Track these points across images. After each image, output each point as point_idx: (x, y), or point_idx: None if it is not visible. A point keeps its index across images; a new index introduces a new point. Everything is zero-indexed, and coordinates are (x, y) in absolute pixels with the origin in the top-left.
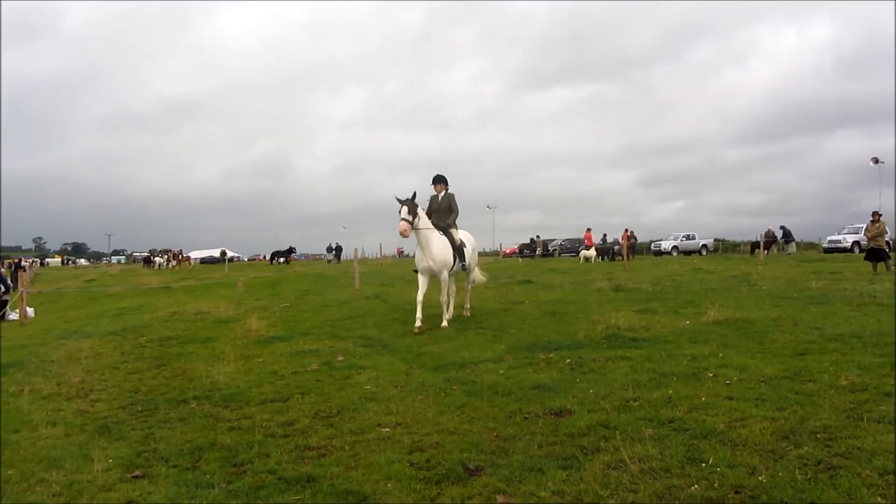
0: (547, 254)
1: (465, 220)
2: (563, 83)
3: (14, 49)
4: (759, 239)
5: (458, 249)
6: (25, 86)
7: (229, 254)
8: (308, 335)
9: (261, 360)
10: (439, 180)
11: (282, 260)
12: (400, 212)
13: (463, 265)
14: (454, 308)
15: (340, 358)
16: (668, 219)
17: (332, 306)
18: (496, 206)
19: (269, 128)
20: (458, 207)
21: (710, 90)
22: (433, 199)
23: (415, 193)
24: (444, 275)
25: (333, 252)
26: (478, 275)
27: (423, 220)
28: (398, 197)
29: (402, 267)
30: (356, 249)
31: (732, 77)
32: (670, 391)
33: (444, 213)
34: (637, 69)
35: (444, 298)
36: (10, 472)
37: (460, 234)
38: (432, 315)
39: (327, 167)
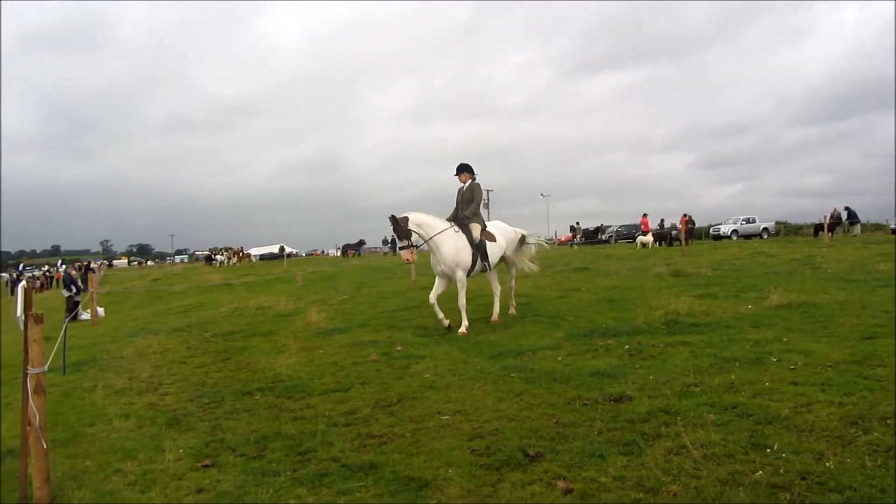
0: (590, 241)
1: (518, 210)
2: (614, 68)
3: (73, 60)
4: (822, 221)
5: (477, 246)
6: (85, 95)
7: (287, 249)
8: (366, 326)
9: (321, 351)
10: (462, 169)
11: (352, 253)
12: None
13: (486, 265)
14: (500, 309)
15: (399, 348)
16: (726, 202)
17: (389, 298)
18: (549, 194)
19: (320, 124)
20: (481, 197)
21: (767, 70)
22: (459, 191)
23: (392, 215)
24: (459, 275)
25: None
26: (527, 264)
27: (429, 228)
28: (390, 217)
29: None
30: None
31: (790, 56)
32: (732, 376)
33: (466, 205)
34: (691, 51)
35: (461, 302)
36: (87, 463)
37: (492, 226)
38: (485, 304)
39: (378, 160)
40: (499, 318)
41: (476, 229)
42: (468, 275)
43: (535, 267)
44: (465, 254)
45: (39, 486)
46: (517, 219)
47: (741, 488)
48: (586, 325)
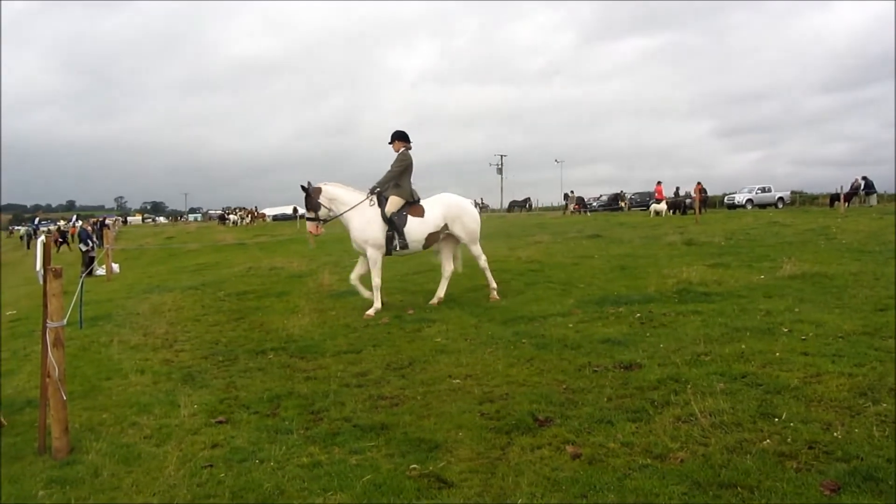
0: (609, 208)
1: (533, 175)
2: (637, 32)
3: (98, 15)
4: (838, 191)
5: (389, 221)
6: (109, 52)
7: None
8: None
9: (333, 313)
10: (394, 138)
11: None
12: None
13: (397, 243)
14: (443, 295)
15: (411, 312)
16: (742, 170)
17: (401, 261)
18: (563, 161)
19: (340, 84)
20: (400, 168)
21: (791, 35)
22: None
23: (309, 183)
24: (369, 252)
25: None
26: (450, 263)
27: (339, 203)
28: (302, 185)
29: None
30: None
31: (815, 20)
32: (743, 346)
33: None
34: (716, 14)
35: (375, 282)
36: (104, 415)
37: (433, 200)
38: (500, 270)
39: (397, 122)
40: (438, 302)
41: (392, 202)
42: (390, 253)
43: (456, 268)
44: (373, 229)
45: (58, 437)
46: (531, 185)
47: (748, 456)
48: (598, 293)
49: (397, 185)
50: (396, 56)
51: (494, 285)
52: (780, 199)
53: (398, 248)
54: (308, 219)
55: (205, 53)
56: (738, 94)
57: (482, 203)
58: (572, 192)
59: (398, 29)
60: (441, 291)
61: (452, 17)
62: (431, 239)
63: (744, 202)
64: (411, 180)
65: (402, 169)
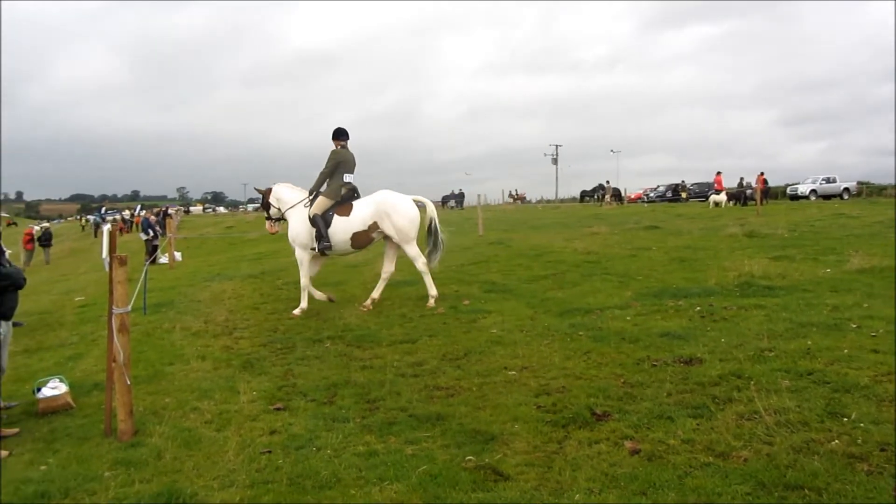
0: (670, 199)
1: (587, 165)
2: (701, 19)
3: (166, 10)
4: None
5: (314, 222)
6: (174, 47)
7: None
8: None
9: (389, 303)
10: (333, 135)
11: (453, 204)
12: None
13: (324, 243)
14: (378, 296)
15: (466, 302)
16: (806, 160)
17: (456, 252)
18: (620, 150)
19: (398, 75)
20: (330, 168)
21: (862, 21)
22: None
23: (260, 189)
24: (297, 253)
25: (454, 199)
26: (389, 263)
27: (283, 203)
28: (256, 188)
29: (525, 213)
30: (479, 196)
31: (888, 4)
32: (809, 342)
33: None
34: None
35: (302, 282)
36: (167, 399)
37: (364, 200)
38: (556, 261)
39: (454, 113)
40: (372, 303)
41: (317, 203)
42: (324, 253)
43: (390, 269)
44: (300, 230)
45: (123, 420)
46: (582, 175)
47: (816, 456)
48: (656, 285)
49: (325, 184)
50: (454, 46)
51: (434, 293)
52: (846, 189)
53: (317, 249)
54: (266, 218)
55: (266, 47)
56: (803, 83)
57: (455, 199)
58: (608, 182)
59: (456, 20)
60: (376, 292)
61: (512, 6)
62: (361, 238)
63: (807, 193)
64: (348, 178)
65: (332, 168)
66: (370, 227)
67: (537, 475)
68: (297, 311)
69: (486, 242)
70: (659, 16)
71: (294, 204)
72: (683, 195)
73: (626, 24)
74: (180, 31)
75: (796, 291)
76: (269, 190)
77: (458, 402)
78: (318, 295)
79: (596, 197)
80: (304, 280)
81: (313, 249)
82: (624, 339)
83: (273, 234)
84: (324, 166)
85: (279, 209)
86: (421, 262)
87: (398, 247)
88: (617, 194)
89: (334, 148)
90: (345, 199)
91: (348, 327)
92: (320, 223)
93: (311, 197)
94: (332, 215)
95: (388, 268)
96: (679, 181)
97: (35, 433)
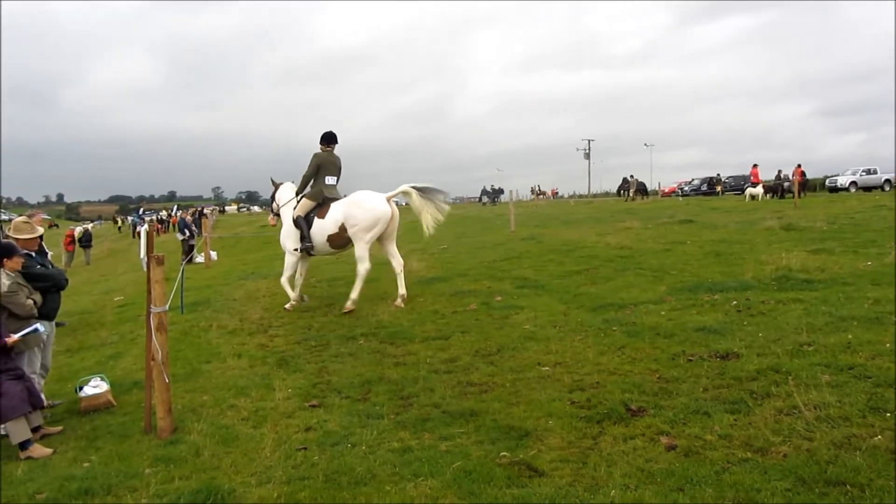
0: (705, 192)
1: (622, 160)
2: (736, 10)
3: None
4: None
5: (297, 224)
6: (208, 48)
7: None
8: (466, 276)
9: (422, 299)
10: (322, 139)
11: (485, 200)
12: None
13: (306, 245)
14: (404, 292)
15: (499, 298)
16: (845, 152)
17: (488, 248)
18: (654, 144)
19: (428, 73)
20: (311, 171)
21: None
22: None
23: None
24: (287, 257)
25: (487, 195)
26: (391, 258)
27: (279, 202)
28: (272, 178)
29: (557, 208)
30: (511, 191)
31: None
32: (849, 336)
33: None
34: None
35: (282, 279)
36: (205, 397)
37: (342, 201)
38: (589, 256)
39: (484, 110)
40: (402, 302)
41: (300, 205)
42: (310, 253)
43: (364, 269)
44: (288, 233)
45: (162, 417)
46: (615, 169)
47: (858, 452)
48: (691, 280)
49: (309, 186)
50: (484, 43)
51: (403, 292)
52: (887, 181)
53: (299, 251)
54: (270, 211)
55: (298, 47)
56: (842, 74)
57: (488, 195)
58: (632, 175)
59: (485, 16)
60: (400, 288)
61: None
62: (335, 240)
63: (847, 185)
64: (330, 180)
65: (313, 171)
66: (341, 228)
67: (572, 471)
68: (287, 306)
69: (518, 238)
70: (692, 8)
71: (284, 204)
72: (718, 188)
73: (659, 18)
74: (214, 31)
75: (836, 285)
76: (277, 186)
77: (491, 398)
78: (293, 295)
79: (620, 192)
80: (284, 276)
81: (296, 250)
82: (658, 334)
83: (273, 225)
84: (306, 169)
85: (278, 205)
86: (396, 262)
87: (387, 242)
88: (642, 189)
89: (318, 151)
90: (326, 202)
91: (381, 324)
92: (303, 225)
93: (297, 199)
94: (314, 217)
95: (394, 263)
96: (714, 174)
97: (78, 431)
